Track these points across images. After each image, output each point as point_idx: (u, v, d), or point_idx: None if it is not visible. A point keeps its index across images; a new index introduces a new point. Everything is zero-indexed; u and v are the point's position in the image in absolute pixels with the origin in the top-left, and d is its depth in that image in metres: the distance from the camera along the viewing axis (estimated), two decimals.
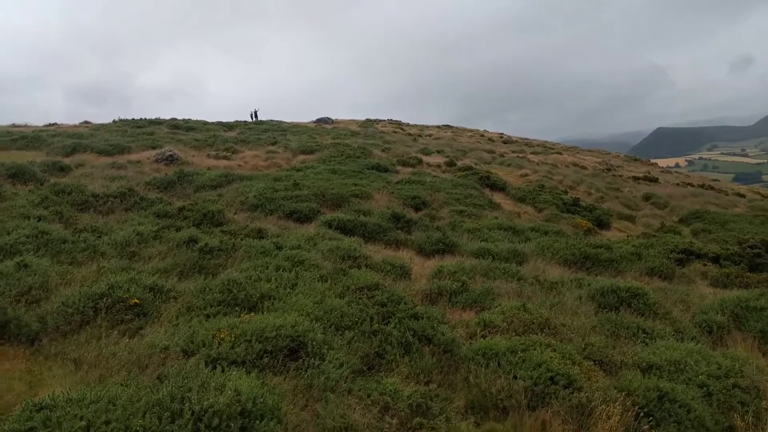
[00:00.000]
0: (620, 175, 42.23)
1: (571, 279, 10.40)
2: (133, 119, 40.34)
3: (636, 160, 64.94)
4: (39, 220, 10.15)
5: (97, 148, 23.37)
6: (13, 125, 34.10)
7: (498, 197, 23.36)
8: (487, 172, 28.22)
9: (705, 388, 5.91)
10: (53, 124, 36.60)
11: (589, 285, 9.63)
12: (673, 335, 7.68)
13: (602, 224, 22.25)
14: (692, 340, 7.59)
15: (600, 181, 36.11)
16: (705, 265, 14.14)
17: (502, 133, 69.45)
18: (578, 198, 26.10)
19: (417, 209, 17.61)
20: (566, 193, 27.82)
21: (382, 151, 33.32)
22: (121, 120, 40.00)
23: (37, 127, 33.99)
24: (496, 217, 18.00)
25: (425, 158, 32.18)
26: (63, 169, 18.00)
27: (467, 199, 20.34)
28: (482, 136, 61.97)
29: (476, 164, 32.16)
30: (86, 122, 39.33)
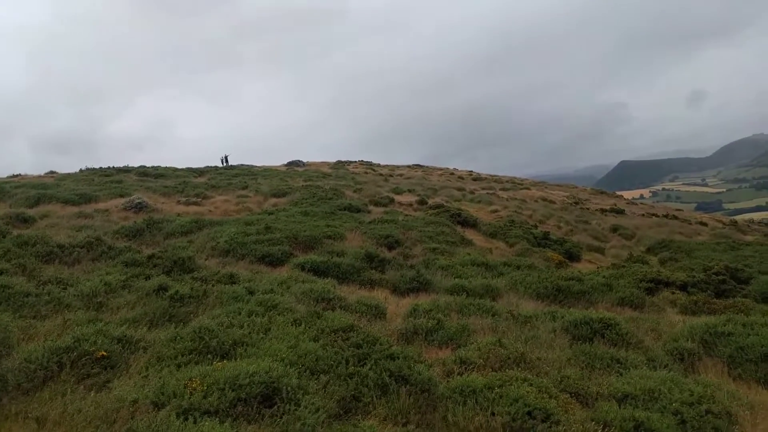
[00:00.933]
0: (588, 208, 43.21)
1: (544, 312, 10.48)
2: (101, 168, 39.85)
3: (602, 192, 66.64)
4: (1, 274, 9.84)
5: (62, 198, 22.95)
6: None
7: (470, 233, 23.61)
8: (458, 209, 28.58)
9: (679, 416, 5.95)
10: (17, 175, 35.87)
11: (562, 317, 9.71)
12: (647, 364, 7.75)
13: (572, 257, 22.64)
14: (665, 368, 7.67)
15: (569, 215, 36.87)
16: (673, 293, 14.44)
17: (472, 171, 70.70)
18: (548, 232, 26.56)
19: (390, 248, 17.65)
20: (536, 227, 28.30)
21: (354, 191, 33.55)
22: (88, 169, 39.46)
23: None
24: (469, 254, 18.15)
25: (397, 197, 32.51)
26: (27, 221, 17.60)
27: (440, 236, 20.50)
28: (452, 174, 62.96)
29: (447, 202, 32.57)
30: (52, 172, 38.65)
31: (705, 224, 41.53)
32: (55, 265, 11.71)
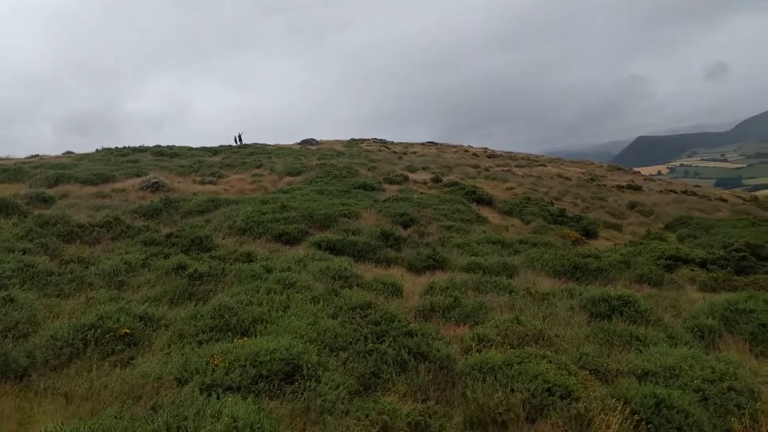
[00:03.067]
0: (604, 185, 42.72)
1: (562, 289, 10.44)
2: (117, 147, 40.13)
3: (619, 169, 65.77)
4: (24, 253, 10.01)
5: (80, 178, 23.20)
6: None
7: (485, 211, 23.51)
8: (473, 186, 28.42)
9: (701, 393, 5.93)
10: (35, 156, 36.27)
11: (580, 295, 9.67)
12: (666, 341, 7.71)
13: (589, 234, 22.46)
14: (685, 345, 7.62)
15: (585, 192, 36.51)
16: (692, 270, 14.29)
17: (486, 148, 70.09)
18: (564, 209, 26.33)
19: (406, 226, 17.63)
20: (552, 204, 28.08)
21: (368, 170, 33.46)
22: (104, 149, 39.75)
23: (18, 159, 33.67)
24: (485, 231, 18.09)
25: (411, 175, 32.37)
26: (47, 201, 17.82)
27: (455, 214, 20.43)
28: (466, 151, 62.49)
29: (462, 179, 32.38)
30: (69, 152, 39.02)
31: (725, 200, 40.90)
32: (76, 244, 11.88)
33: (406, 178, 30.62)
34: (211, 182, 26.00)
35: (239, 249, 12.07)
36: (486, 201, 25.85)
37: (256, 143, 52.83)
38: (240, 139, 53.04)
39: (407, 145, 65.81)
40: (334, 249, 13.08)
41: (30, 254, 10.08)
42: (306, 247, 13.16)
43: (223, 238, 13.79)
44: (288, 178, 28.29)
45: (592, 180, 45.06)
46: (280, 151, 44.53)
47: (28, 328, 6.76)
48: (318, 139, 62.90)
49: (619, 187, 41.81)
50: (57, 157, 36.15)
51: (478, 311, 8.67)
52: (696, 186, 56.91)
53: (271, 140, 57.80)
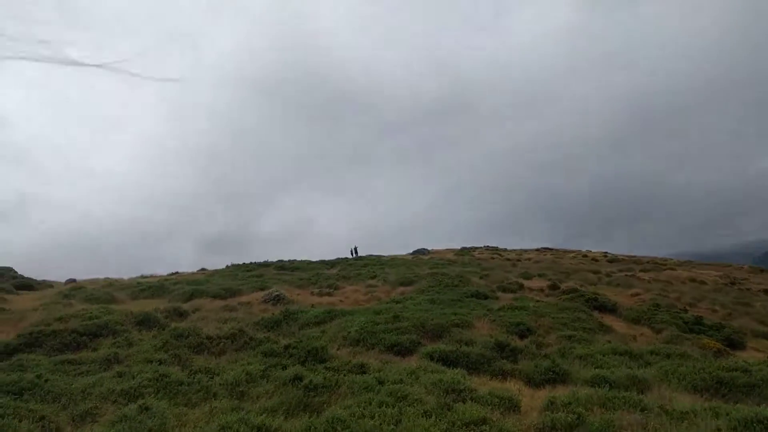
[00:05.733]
0: (748, 289, 38.44)
1: (704, 408, 9.25)
2: (244, 263, 43.42)
3: (763, 271, 59.09)
4: (160, 364, 10.89)
5: (211, 293, 25.17)
6: (142, 276, 37.87)
7: (609, 319, 21.95)
8: (594, 293, 26.85)
9: None
10: (175, 273, 40.20)
11: (727, 414, 8.50)
12: None
13: (734, 344, 19.97)
14: None
15: (724, 297, 33.00)
16: None
17: (606, 252, 66.73)
18: (701, 316, 23.88)
19: (522, 336, 16.89)
20: (686, 311, 25.62)
21: (480, 278, 33.00)
22: (233, 265, 43.18)
23: (161, 276, 37.50)
24: (609, 341, 16.80)
25: (526, 283, 31.39)
26: (182, 314, 19.43)
27: (575, 323, 19.29)
28: (585, 256, 59.89)
29: (582, 286, 30.79)
30: (203, 269, 42.84)
31: None
32: (204, 355, 12.73)
33: (521, 286, 29.73)
34: (327, 294, 27.00)
35: (353, 360, 12.21)
36: (609, 308, 24.21)
37: (370, 255, 54.64)
38: (356, 252, 55.28)
39: (521, 252, 64.52)
40: (447, 360, 12.78)
41: (165, 365, 10.95)
42: (418, 358, 13.00)
43: (338, 349, 14.05)
44: (400, 288, 28.62)
45: (732, 284, 40.80)
46: (393, 261, 45.56)
47: None
48: (430, 248, 63.80)
49: (767, 292, 37.36)
50: (192, 273, 39.80)
51: (606, 431, 7.90)
52: None
53: (384, 251, 59.50)
